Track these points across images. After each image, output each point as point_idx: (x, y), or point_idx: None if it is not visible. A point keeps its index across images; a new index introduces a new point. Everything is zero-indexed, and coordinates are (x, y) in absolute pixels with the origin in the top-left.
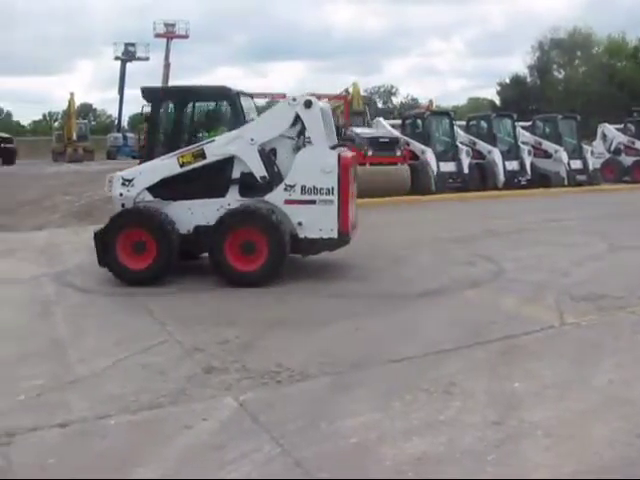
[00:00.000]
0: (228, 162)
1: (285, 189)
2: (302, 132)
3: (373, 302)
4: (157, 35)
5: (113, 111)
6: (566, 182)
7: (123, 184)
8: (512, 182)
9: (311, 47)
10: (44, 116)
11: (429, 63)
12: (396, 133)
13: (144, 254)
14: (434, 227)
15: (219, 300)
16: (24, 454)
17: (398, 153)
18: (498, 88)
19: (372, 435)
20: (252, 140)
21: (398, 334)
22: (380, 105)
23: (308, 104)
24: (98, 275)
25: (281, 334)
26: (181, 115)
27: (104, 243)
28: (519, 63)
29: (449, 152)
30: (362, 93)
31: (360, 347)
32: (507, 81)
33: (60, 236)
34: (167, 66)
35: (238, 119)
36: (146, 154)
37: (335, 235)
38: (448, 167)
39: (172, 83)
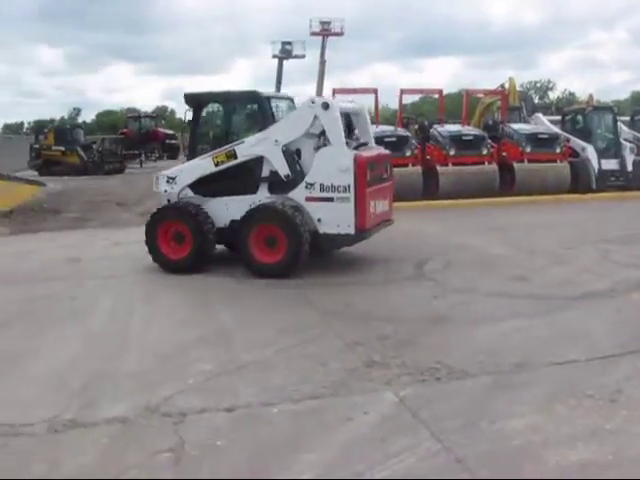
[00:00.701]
0: (258, 162)
1: (306, 187)
2: (324, 132)
3: (534, 302)
4: (313, 33)
5: None
6: None
7: (168, 182)
8: None
9: (467, 42)
10: None
11: (589, 55)
12: (555, 129)
13: (182, 245)
14: (596, 226)
15: (373, 294)
16: (195, 434)
17: (558, 150)
18: None
19: (535, 438)
20: (276, 141)
21: (561, 336)
22: (536, 100)
23: (326, 106)
24: None
25: (440, 331)
26: (218, 118)
27: (150, 235)
28: None
29: (611, 149)
30: (518, 88)
31: (521, 348)
32: None
33: None
34: (323, 63)
35: (267, 121)
36: (188, 154)
37: (352, 231)
38: (610, 165)
39: (327, 80)
